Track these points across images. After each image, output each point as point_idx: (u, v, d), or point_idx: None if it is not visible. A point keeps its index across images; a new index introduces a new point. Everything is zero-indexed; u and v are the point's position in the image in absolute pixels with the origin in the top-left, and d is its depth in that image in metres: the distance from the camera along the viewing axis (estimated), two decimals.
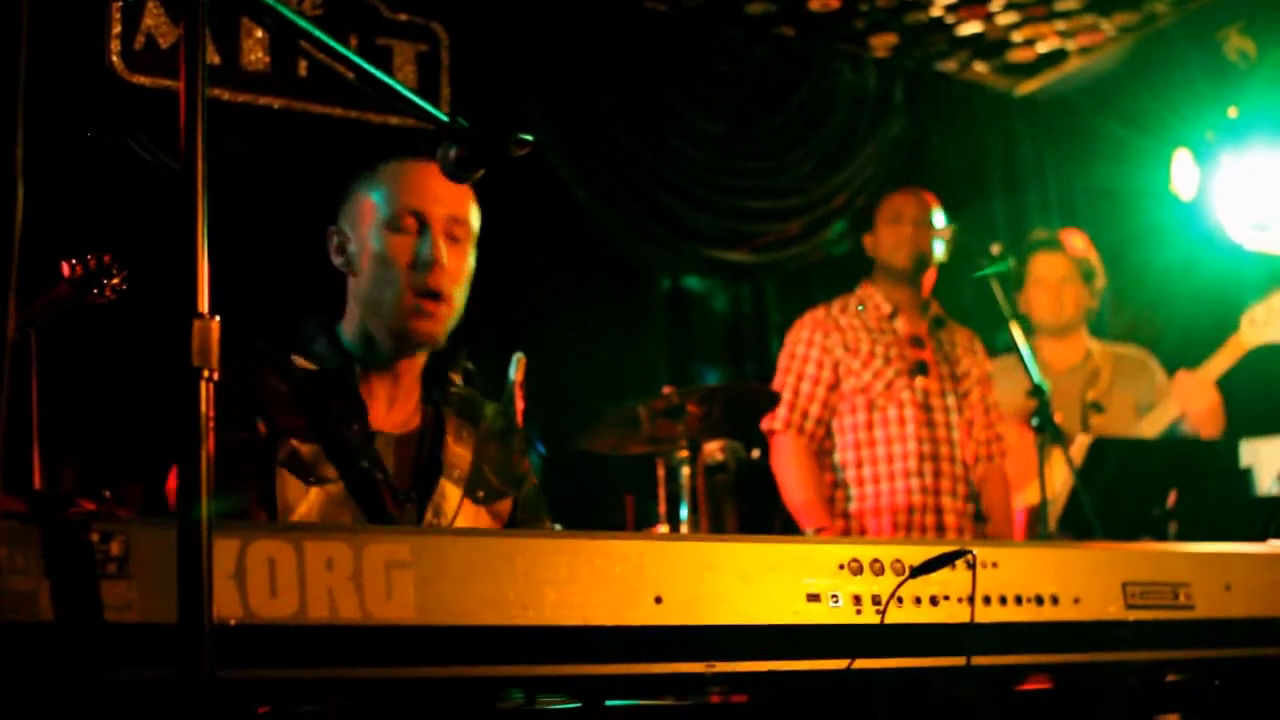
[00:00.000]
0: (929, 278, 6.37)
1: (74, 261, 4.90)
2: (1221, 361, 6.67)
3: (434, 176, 3.41)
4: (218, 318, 2.03)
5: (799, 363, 6.27)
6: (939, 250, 6.31)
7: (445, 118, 2.64)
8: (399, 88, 2.58)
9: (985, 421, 6.37)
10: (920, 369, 6.19)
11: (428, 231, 3.45)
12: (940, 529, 6.04)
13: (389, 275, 3.46)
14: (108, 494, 4.05)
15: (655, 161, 7.73)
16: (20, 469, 4.74)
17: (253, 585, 2.08)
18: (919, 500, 6.04)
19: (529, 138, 2.64)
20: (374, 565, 2.16)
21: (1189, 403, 6.65)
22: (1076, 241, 7.01)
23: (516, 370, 5.40)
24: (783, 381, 6.27)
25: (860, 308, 6.29)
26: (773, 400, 6.04)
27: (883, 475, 6.09)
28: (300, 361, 3.50)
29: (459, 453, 3.58)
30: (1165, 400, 6.73)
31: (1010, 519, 6.40)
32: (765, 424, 6.22)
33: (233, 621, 2.04)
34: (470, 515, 3.55)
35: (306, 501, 3.30)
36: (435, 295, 3.44)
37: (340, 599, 2.12)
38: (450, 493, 3.51)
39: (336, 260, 3.59)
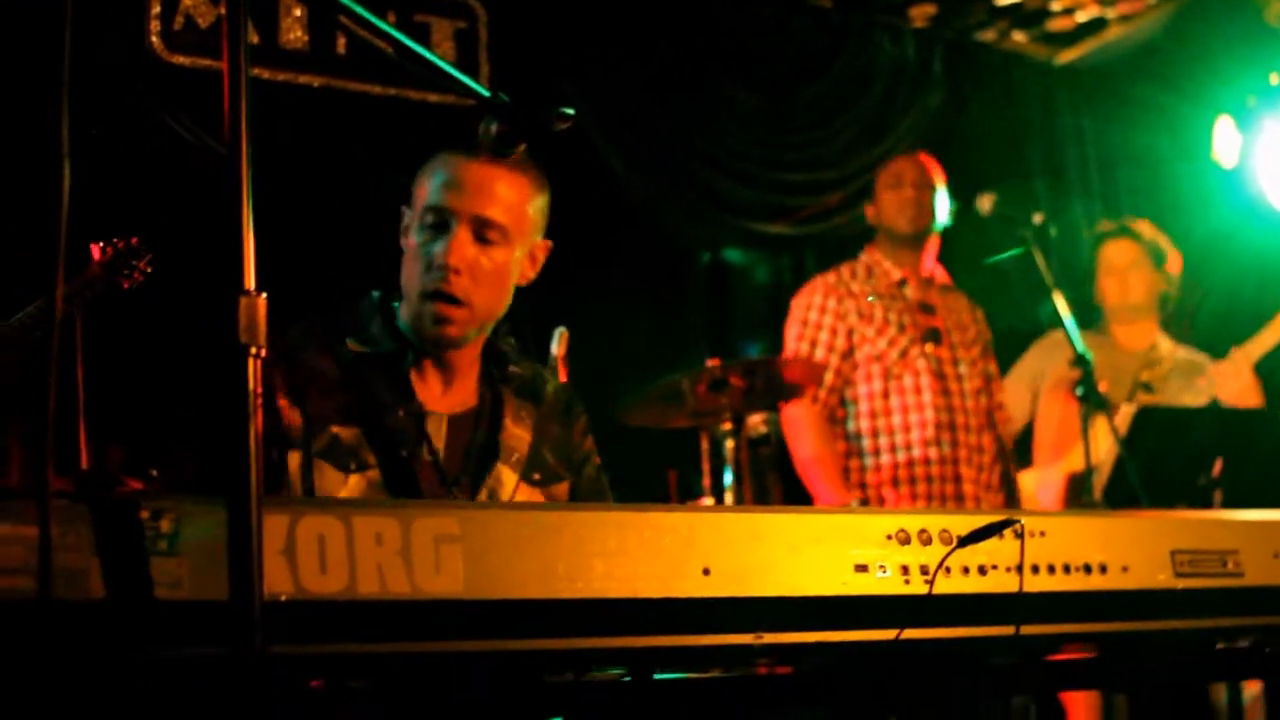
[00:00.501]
0: (931, 245, 6.33)
1: (104, 244, 4.95)
2: (1268, 339, 6.62)
3: (476, 173, 3.39)
4: (264, 294, 2.03)
5: (812, 330, 6.21)
6: (941, 214, 6.27)
7: (486, 92, 2.64)
8: (439, 63, 2.58)
9: (989, 390, 6.33)
10: (933, 336, 6.16)
11: (449, 232, 3.37)
12: (959, 498, 6.01)
13: (412, 271, 3.43)
14: (155, 473, 4.06)
15: (694, 135, 7.72)
16: (67, 448, 4.76)
17: (303, 561, 2.08)
18: (937, 470, 6.01)
19: (570, 112, 2.63)
20: (422, 540, 2.16)
21: (1224, 386, 6.62)
22: (1144, 228, 6.96)
23: (559, 344, 5.41)
24: (795, 349, 6.21)
25: (871, 299, 6.22)
26: (816, 373, 6.01)
27: (899, 445, 6.05)
28: (353, 345, 3.45)
29: (518, 434, 3.54)
30: (1204, 379, 6.69)
31: (1015, 489, 6.37)
32: None
33: (283, 597, 2.05)
34: (526, 498, 3.50)
35: (346, 490, 3.26)
36: (449, 299, 3.36)
37: (389, 574, 2.13)
38: (506, 478, 3.48)
39: (402, 240, 3.53)
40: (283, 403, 3.28)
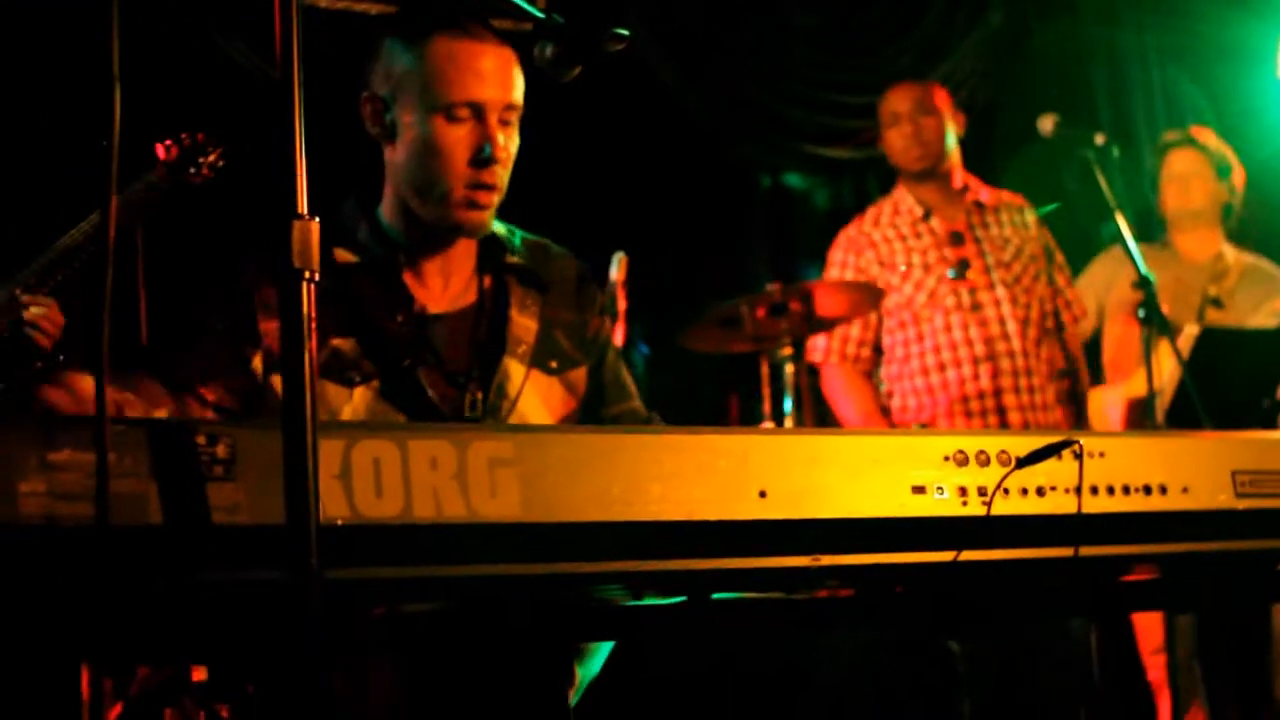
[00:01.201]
0: (955, 161, 6.28)
1: (169, 142, 4.87)
2: None
3: (485, 56, 3.31)
4: (317, 219, 2.03)
5: None
6: (951, 137, 6.21)
7: (541, 14, 2.63)
8: None
9: (1048, 293, 6.26)
10: (963, 266, 6.09)
11: (484, 123, 3.30)
12: (1004, 428, 5.96)
13: (442, 166, 3.32)
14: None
15: (754, 58, 7.68)
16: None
17: (358, 485, 2.09)
18: (977, 405, 5.97)
19: (625, 33, 2.63)
20: (478, 463, 2.16)
21: None
22: (1209, 138, 6.91)
23: (619, 269, 5.41)
24: None
25: (894, 279, 6.14)
26: (873, 297, 5.98)
27: (936, 385, 6.01)
28: (341, 254, 3.39)
29: (524, 324, 3.48)
30: None
31: (1082, 403, 6.31)
32: (808, 358, 6.17)
33: (340, 522, 2.06)
34: (541, 389, 3.47)
35: (351, 405, 3.25)
36: (489, 187, 3.33)
37: (445, 497, 2.13)
38: (514, 371, 3.42)
39: (373, 130, 3.43)
40: (272, 324, 3.18)
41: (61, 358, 4.52)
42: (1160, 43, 8.96)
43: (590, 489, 2.22)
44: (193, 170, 4.84)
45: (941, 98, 6.24)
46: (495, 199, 3.36)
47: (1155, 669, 6.14)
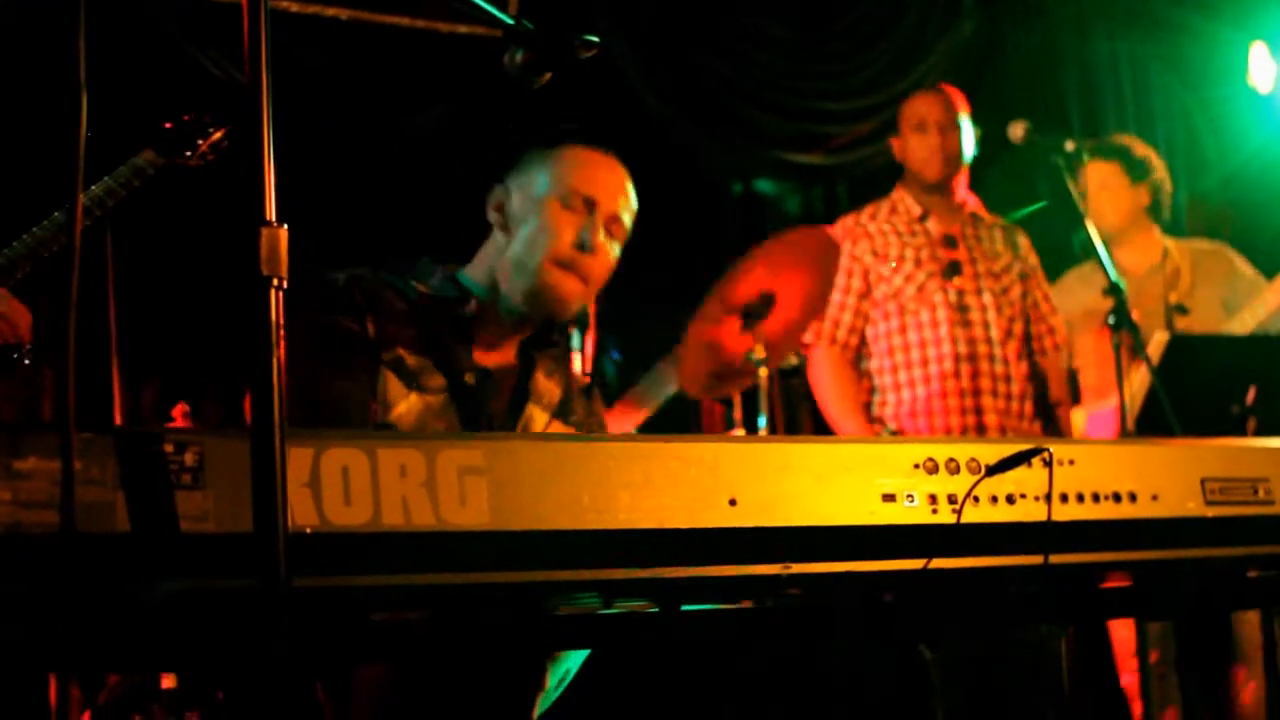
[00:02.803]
0: (961, 177, 6.28)
1: (166, 123, 4.70)
2: None
3: (610, 169, 3.71)
4: (285, 226, 2.03)
5: None
6: (968, 149, 6.23)
7: (511, 20, 2.64)
8: None
9: (1035, 315, 6.28)
10: (954, 269, 6.12)
11: (594, 218, 3.61)
12: (980, 429, 5.99)
13: (546, 243, 3.59)
14: (186, 409, 4.04)
15: (724, 65, 7.68)
16: (99, 383, 4.71)
17: (327, 493, 2.08)
18: (956, 402, 5.99)
19: (595, 39, 2.63)
20: (447, 471, 2.16)
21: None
22: (1122, 142, 6.88)
23: None
24: None
25: (890, 267, 6.15)
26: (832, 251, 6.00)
27: (918, 379, 6.04)
28: (419, 286, 3.64)
29: (549, 386, 3.72)
30: (1258, 296, 6.61)
31: (1069, 413, 6.34)
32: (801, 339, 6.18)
33: (308, 530, 2.05)
34: None
35: (406, 402, 3.42)
36: (580, 275, 3.61)
37: (414, 505, 2.13)
38: (538, 417, 3.64)
39: (492, 216, 3.73)
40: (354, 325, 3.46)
41: (27, 361, 4.41)
42: (1132, 51, 8.98)
43: (560, 497, 2.22)
44: (189, 153, 4.67)
45: (966, 110, 6.25)
46: (581, 290, 3.66)
47: (1128, 675, 6.14)
